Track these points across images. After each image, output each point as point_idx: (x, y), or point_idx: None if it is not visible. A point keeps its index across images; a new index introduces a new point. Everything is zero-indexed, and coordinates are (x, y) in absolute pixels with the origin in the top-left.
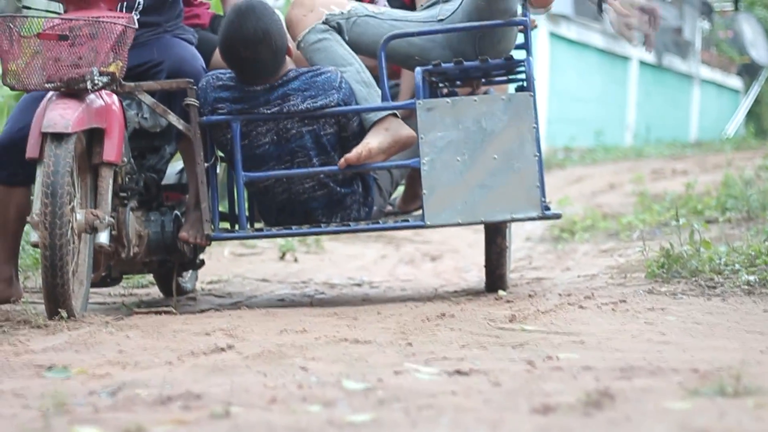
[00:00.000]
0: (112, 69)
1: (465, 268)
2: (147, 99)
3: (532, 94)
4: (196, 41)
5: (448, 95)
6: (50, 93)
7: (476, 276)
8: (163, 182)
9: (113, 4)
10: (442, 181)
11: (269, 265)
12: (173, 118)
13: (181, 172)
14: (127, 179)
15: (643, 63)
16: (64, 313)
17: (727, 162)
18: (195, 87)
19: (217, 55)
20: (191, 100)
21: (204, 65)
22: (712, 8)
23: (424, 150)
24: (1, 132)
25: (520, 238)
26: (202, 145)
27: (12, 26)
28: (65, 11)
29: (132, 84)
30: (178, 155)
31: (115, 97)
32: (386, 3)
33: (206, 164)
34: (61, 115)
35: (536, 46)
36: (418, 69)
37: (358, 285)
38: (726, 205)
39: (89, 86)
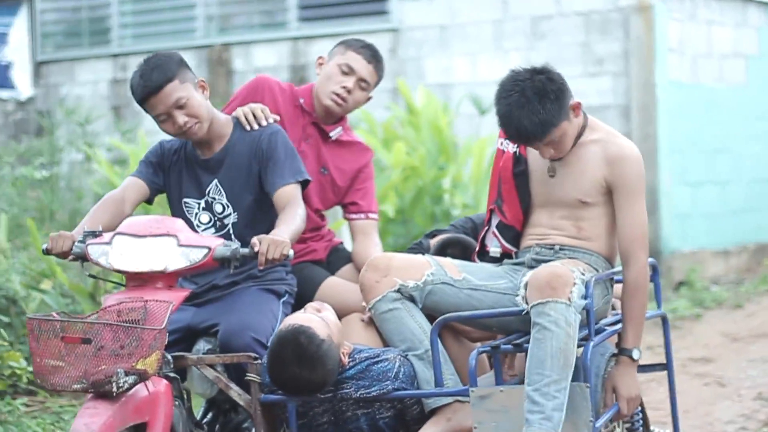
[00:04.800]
0: (141, 366)
1: None
2: (209, 373)
3: (588, 385)
4: (291, 288)
5: None
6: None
7: None
8: None
9: (172, 280)
10: None
11: None
12: (234, 393)
13: None
14: None
15: None
16: None
17: None
18: (258, 362)
19: (322, 290)
20: (252, 376)
21: (258, 337)
22: None
23: None
24: None
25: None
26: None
27: (38, 328)
28: (126, 287)
29: (194, 357)
30: None
31: (163, 382)
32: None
33: None
34: (86, 423)
35: None
36: (473, 353)
37: None
38: None
39: (114, 389)
